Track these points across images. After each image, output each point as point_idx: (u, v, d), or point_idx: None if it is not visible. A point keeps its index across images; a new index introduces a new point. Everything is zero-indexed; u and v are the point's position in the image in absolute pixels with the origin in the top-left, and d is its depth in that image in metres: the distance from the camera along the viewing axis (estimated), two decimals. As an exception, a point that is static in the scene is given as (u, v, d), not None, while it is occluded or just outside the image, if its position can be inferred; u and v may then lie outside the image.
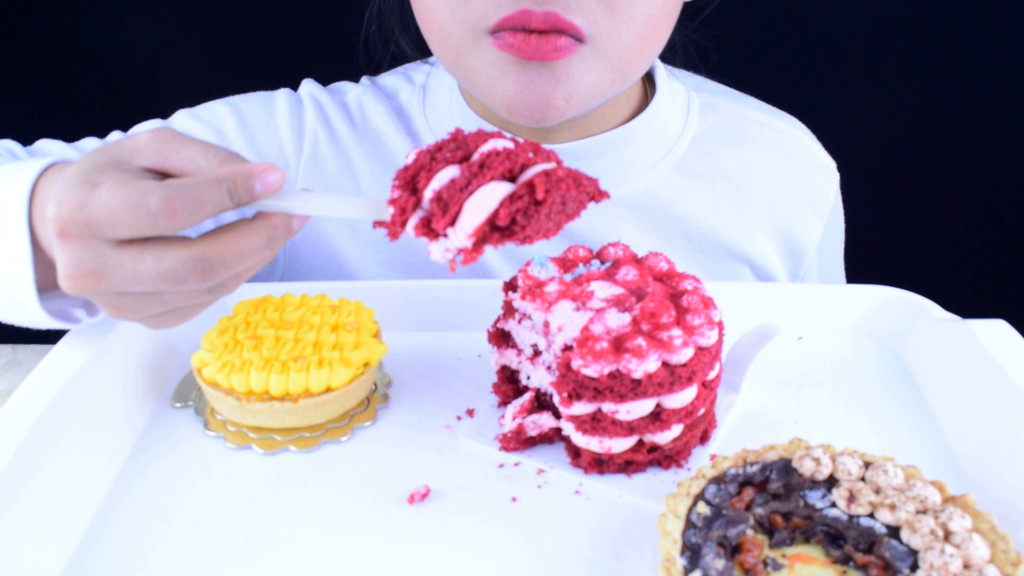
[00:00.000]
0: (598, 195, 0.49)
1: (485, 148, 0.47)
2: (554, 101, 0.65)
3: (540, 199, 0.45)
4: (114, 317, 0.51)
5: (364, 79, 0.88)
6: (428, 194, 0.46)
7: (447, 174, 0.46)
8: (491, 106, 0.69)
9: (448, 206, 0.45)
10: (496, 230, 0.46)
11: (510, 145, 0.47)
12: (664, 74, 0.81)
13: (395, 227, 0.47)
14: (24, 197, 0.53)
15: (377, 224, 0.48)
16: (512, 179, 0.46)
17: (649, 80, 0.83)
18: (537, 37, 0.62)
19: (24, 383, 0.57)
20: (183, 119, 0.82)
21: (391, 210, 0.47)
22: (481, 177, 0.45)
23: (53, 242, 0.47)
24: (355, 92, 0.85)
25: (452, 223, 0.46)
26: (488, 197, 0.45)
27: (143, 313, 0.50)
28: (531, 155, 0.47)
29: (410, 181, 0.47)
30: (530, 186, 0.45)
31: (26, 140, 0.79)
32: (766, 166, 0.84)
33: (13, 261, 0.54)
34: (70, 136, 0.80)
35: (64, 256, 0.46)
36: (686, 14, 0.79)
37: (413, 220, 0.46)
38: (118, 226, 0.45)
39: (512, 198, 0.45)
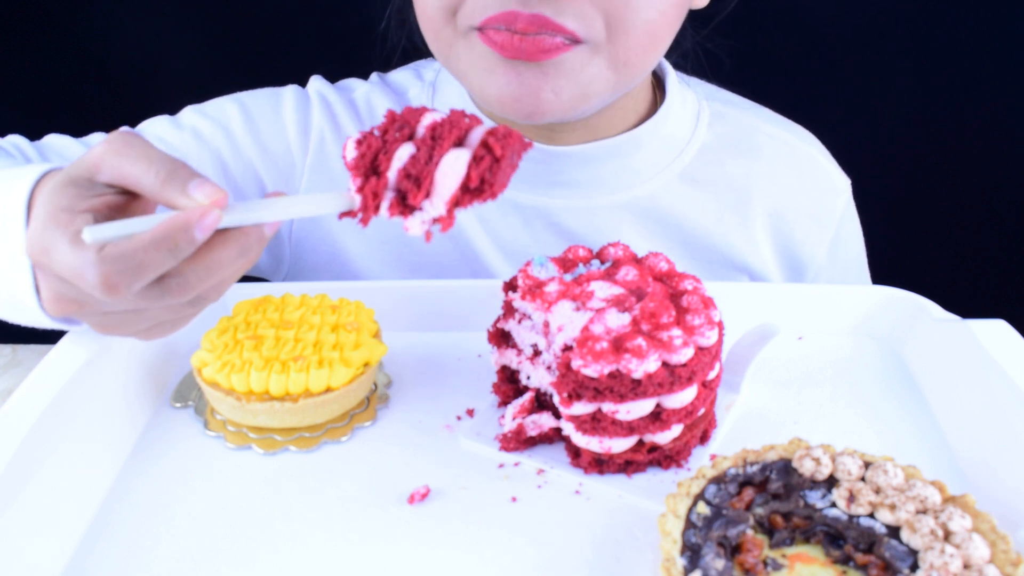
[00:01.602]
0: (525, 145, 0.51)
1: (426, 121, 0.48)
2: (543, 94, 0.65)
3: (499, 156, 0.48)
4: (104, 335, 0.51)
5: (374, 75, 0.87)
6: (394, 174, 0.47)
7: (406, 151, 0.47)
8: (483, 102, 0.68)
9: (420, 180, 0.47)
10: (467, 192, 0.48)
11: (445, 114, 0.49)
12: (676, 81, 0.81)
13: (368, 212, 0.48)
14: (22, 205, 0.53)
15: (344, 215, 0.48)
16: (459, 145, 0.48)
17: (660, 86, 0.82)
18: (521, 37, 0.62)
19: (24, 383, 0.57)
20: (190, 116, 0.82)
21: (357, 199, 0.47)
22: (439, 148, 0.47)
23: (36, 270, 0.48)
24: (363, 89, 0.85)
25: (427, 195, 0.47)
26: (455, 164, 0.47)
27: (131, 329, 0.50)
28: (467, 120, 0.49)
29: (370, 166, 0.48)
30: (486, 146, 0.48)
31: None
32: (772, 178, 0.83)
33: (13, 267, 0.54)
34: (72, 135, 0.80)
35: (45, 284, 0.47)
36: (698, 19, 0.78)
37: (386, 202, 0.47)
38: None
39: (476, 160, 0.47)
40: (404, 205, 0.48)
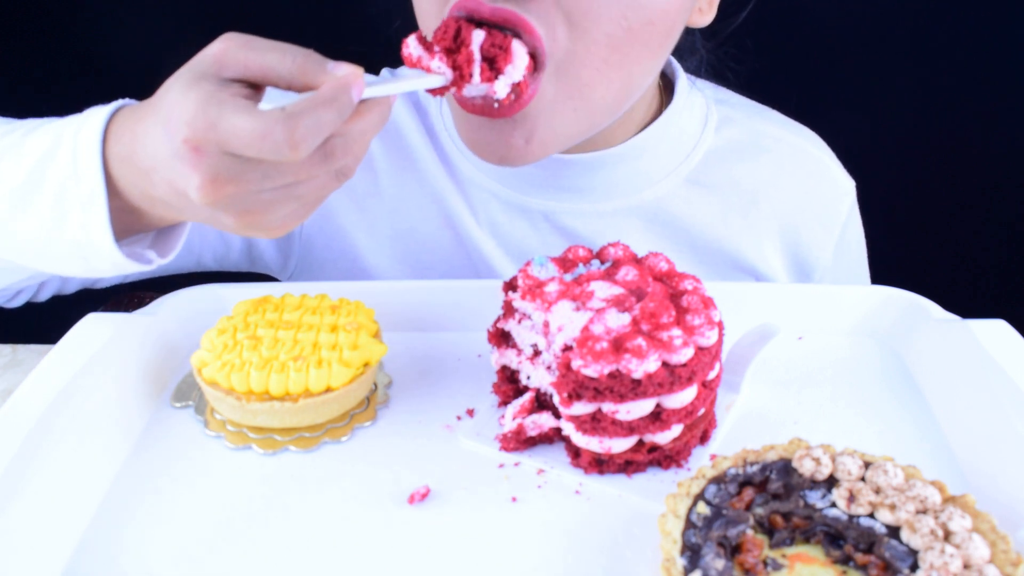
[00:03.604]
0: None
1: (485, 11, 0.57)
2: (512, 140, 0.64)
3: None
4: (243, 229, 0.51)
5: (384, 71, 0.87)
6: (477, 46, 0.56)
7: (480, 32, 0.56)
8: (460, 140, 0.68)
9: (504, 47, 0.56)
10: (534, 59, 0.58)
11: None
12: (685, 85, 0.81)
13: (463, 82, 0.56)
14: (96, 143, 0.53)
15: (436, 91, 0.56)
16: None
17: (668, 90, 0.82)
18: (483, 102, 0.61)
19: (24, 383, 0.57)
20: None
21: (447, 72, 0.55)
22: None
23: (184, 159, 0.47)
24: None
25: (511, 61, 0.57)
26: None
27: (275, 215, 0.50)
28: None
29: (453, 43, 0.56)
30: None
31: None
32: (778, 181, 0.83)
33: (86, 206, 0.54)
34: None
35: (200, 170, 0.47)
36: (705, 32, 0.78)
37: (476, 67, 0.56)
38: (247, 149, 0.46)
39: None
40: (492, 70, 0.56)
